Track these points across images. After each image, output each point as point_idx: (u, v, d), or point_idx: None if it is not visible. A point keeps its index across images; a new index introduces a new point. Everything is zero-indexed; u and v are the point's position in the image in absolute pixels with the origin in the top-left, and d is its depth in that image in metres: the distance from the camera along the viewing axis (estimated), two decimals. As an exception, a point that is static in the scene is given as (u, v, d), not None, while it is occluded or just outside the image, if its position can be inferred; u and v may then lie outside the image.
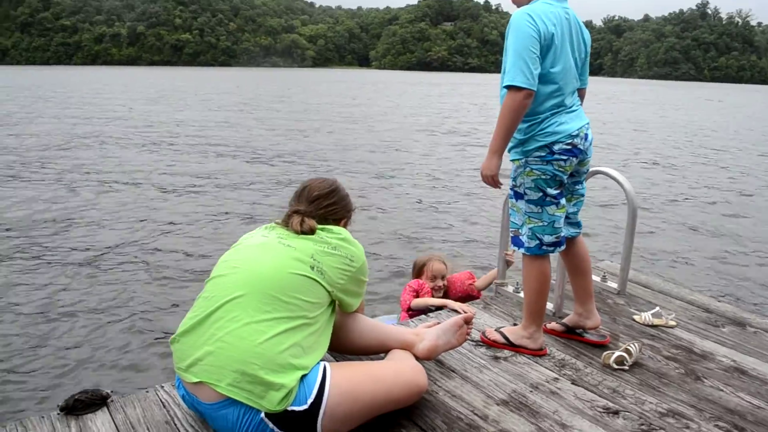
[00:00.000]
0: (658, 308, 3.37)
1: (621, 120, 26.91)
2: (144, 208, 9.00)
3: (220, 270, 2.14)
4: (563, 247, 2.79)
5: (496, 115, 2.57)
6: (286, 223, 2.26)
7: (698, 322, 3.33)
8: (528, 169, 2.64)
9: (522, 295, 3.51)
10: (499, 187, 2.69)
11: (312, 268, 2.09)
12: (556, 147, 2.58)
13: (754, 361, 2.87)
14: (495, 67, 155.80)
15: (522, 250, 2.76)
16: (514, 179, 2.72)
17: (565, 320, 3.05)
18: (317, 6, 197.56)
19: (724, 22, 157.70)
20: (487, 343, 2.92)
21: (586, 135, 2.69)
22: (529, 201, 2.68)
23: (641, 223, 7.36)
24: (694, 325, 3.29)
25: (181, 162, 13.19)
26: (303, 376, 1.94)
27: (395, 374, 2.23)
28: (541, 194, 2.65)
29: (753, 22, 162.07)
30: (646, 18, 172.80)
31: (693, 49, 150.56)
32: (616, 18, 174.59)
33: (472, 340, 2.98)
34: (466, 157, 14.97)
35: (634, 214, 3.51)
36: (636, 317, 3.32)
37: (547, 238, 2.70)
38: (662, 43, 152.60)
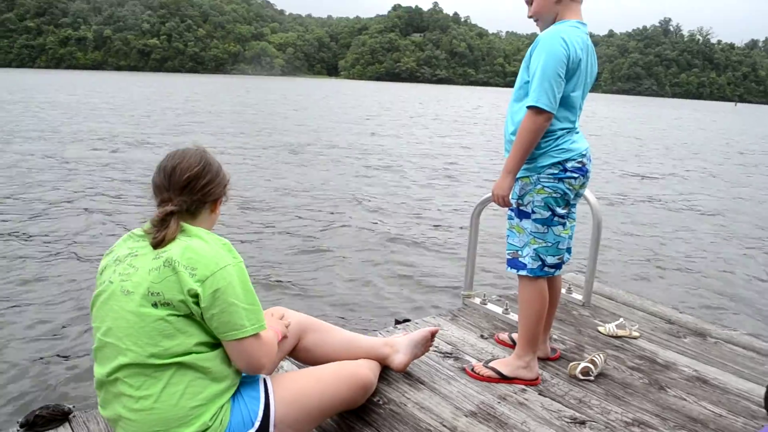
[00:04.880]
0: (622, 319, 3.43)
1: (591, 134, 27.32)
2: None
3: (95, 327, 1.85)
4: (561, 270, 2.79)
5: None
6: (154, 230, 1.82)
7: (661, 333, 3.39)
8: (539, 186, 2.59)
9: (490, 307, 3.56)
10: (510, 207, 2.66)
11: (154, 305, 1.74)
12: (569, 164, 2.58)
13: (715, 371, 2.94)
14: (463, 79, 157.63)
15: (523, 272, 2.69)
16: (521, 197, 2.64)
17: (515, 336, 3.07)
18: (287, 14, 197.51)
19: (685, 39, 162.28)
20: (478, 379, 2.74)
21: (590, 156, 2.72)
22: (536, 220, 2.63)
23: (605, 235, 7.50)
24: (657, 336, 3.36)
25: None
26: (234, 399, 1.89)
27: (337, 373, 2.20)
28: (550, 213, 2.61)
29: (713, 40, 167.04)
30: (611, 33, 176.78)
31: (655, 65, 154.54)
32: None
33: (440, 352, 3.00)
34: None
35: (599, 227, 3.57)
36: (600, 328, 3.37)
37: (550, 260, 2.67)
38: (626, 59, 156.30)
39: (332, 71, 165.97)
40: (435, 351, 2.99)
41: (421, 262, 7.30)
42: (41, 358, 4.47)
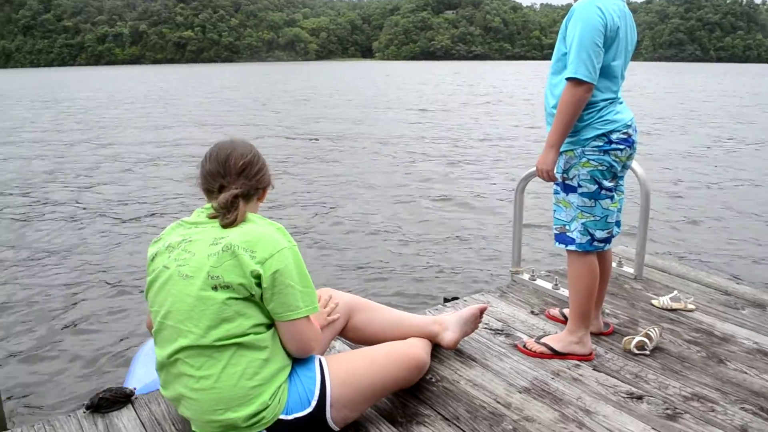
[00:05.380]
0: (676, 292, 3.34)
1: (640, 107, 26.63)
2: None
3: (154, 311, 1.91)
4: (611, 244, 2.74)
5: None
6: (223, 212, 1.86)
7: (717, 305, 3.30)
8: (584, 159, 2.54)
9: (539, 283, 3.52)
10: (555, 181, 2.62)
11: (214, 288, 1.78)
12: (613, 136, 2.52)
13: (776, 342, 2.85)
14: (499, 54, 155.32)
15: (572, 247, 2.64)
16: (566, 171, 2.60)
17: (567, 311, 3.02)
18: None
19: (728, 2, 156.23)
20: (531, 356, 2.70)
21: (635, 127, 2.65)
22: (582, 194, 2.59)
23: (656, 208, 7.34)
24: (714, 308, 3.27)
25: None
26: (291, 379, 1.93)
27: (390, 353, 2.22)
28: (596, 187, 2.57)
29: (757, 1, 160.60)
30: (649, 0, 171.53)
31: (698, 30, 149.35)
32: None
33: (491, 329, 2.98)
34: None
35: (647, 198, 3.48)
36: (654, 302, 3.30)
37: (599, 234, 2.63)
38: (666, 25, 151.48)
39: (366, 53, 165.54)
40: (485, 328, 2.97)
41: (469, 238, 7.27)
42: (101, 345, 4.62)
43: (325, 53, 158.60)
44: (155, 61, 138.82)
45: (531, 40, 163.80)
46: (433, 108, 24.82)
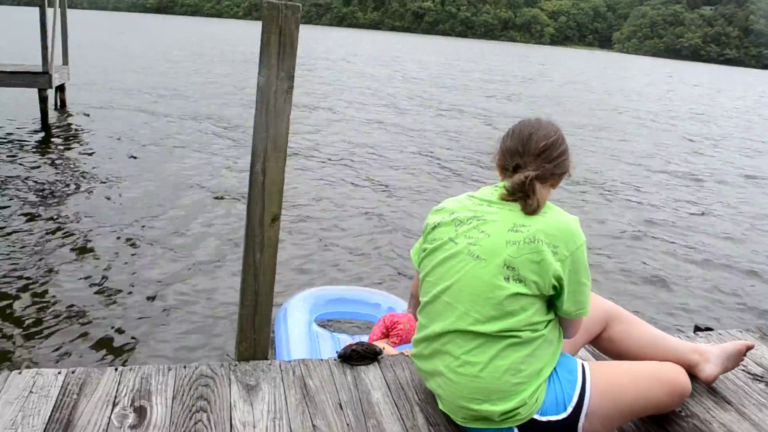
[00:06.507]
0: None
1: None
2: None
3: (429, 281, 1.92)
4: None
5: None
6: (521, 196, 1.81)
7: None
8: None
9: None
10: None
11: (507, 279, 1.75)
12: None
13: None
14: (755, 61, 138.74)
15: None
16: None
17: None
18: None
19: None
20: None
21: None
22: None
23: None
24: None
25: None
26: (550, 378, 1.87)
27: (656, 373, 2.07)
28: None
29: None
30: None
31: None
32: None
33: (749, 373, 2.67)
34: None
35: None
36: None
37: None
38: None
39: (605, 43, 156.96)
40: (742, 370, 2.67)
41: (728, 270, 6.66)
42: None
43: (560, 38, 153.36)
44: (392, 28, 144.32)
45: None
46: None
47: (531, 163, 1.87)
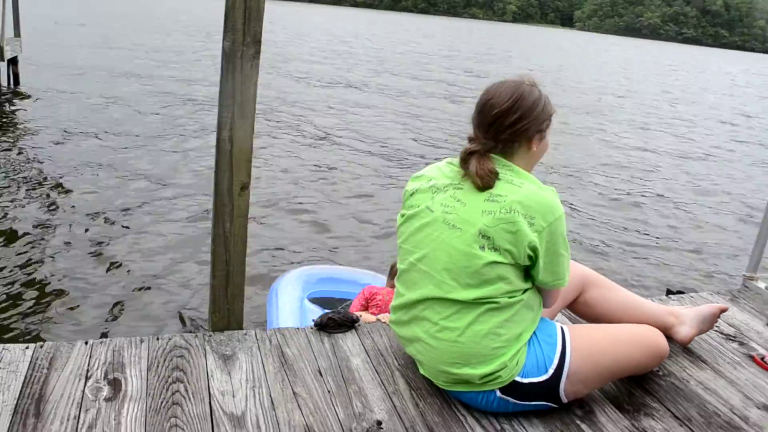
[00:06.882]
0: None
1: None
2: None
3: (405, 249, 1.89)
4: None
5: None
6: (467, 170, 1.78)
7: None
8: None
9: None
10: None
11: (482, 248, 1.71)
12: None
13: None
14: (712, 40, 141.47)
15: None
16: None
17: None
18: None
19: None
20: None
21: None
22: None
23: None
24: None
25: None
26: (530, 342, 1.86)
27: (634, 336, 2.08)
28: None
29: None
30: None
31: None
32: None
33: (722, 333, 2.72)
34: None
35: None
36: None
37: None
38: None
39: (566, 21, 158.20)
40: (716, 331, 2.72)
41: (698, 233, 6.81)
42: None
43: (522, 16, 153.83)
44: (354, 5, 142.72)
45: (753, 30, 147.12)
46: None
47: (483, 135, 1.81)
